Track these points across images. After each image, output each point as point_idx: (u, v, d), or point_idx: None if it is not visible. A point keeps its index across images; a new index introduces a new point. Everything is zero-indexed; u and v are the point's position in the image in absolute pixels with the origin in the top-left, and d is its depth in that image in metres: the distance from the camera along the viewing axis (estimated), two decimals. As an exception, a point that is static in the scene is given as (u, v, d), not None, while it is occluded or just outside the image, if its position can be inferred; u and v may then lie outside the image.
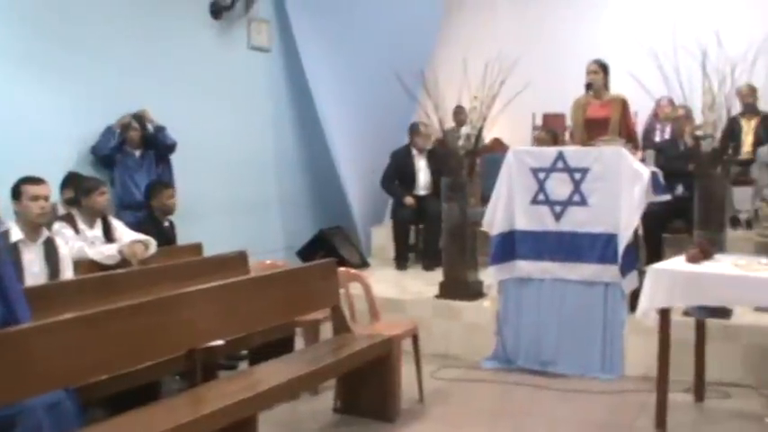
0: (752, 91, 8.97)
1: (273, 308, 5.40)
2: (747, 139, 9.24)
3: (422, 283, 8.33)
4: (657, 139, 9.66)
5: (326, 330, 6.19)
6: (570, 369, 6.72)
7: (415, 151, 9.43)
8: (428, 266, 9.03)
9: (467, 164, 7.52)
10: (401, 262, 9.38)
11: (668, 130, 9.49)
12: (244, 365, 6.47)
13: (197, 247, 7.03)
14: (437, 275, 7.85)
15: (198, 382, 4.72)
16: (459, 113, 9.48)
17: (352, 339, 5.69)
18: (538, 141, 9.02)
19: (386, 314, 6.84)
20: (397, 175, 9.48)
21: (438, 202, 8.00)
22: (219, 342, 5.12)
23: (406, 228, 9.48)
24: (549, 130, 9.30)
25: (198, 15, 9.18)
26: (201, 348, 4.82)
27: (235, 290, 5.10)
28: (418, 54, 9.39)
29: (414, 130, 9.39)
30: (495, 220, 6.93)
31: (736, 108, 8.97)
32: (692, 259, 5.44)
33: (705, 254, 5.53)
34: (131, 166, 7.98)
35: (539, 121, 11.02)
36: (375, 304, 6.52)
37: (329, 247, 9.48)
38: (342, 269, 6.34)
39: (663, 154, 8.40)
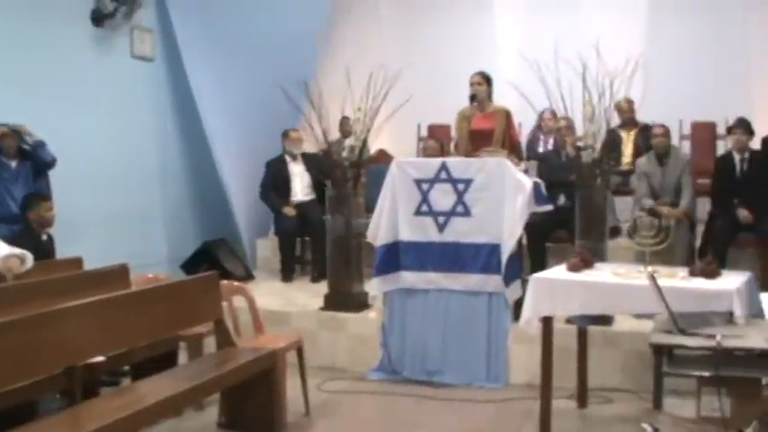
0: (630, 105, 9.22)
1: (155, 322, 5.32)
2: (627, 151, 9.50)
3: (307, 296, 8.32)
4: (541, 150, 9.85)
5: (210, 344, 6.13)
6: (456, 378, 6.80)
7: (288, 158, 9.46)
8: (317, 278, 9.02)
9: (351, 175, 7.55)
10: (287, 274, 9.35)
11: (551, 141, 9.71)
12: (127, 381, 6.37)
13: (77, 262, 6.87)
14: (323, 287, 7.85)
15: (78, 400, 4.64)
16: (344, 124, 9.50)
17: (236, 353, 5.65)
18: (426, 151, 9.09)
19: (271, 327, 6.83)
20: (273, 184, 9.48)
21: (319, 210, 8.01)
22: (100, 358, 5.03)
23: (292, 239, 9.45)
24: (438, 140, 9.41)
25: (78, 23, 8.99)
26: (81, 365, 4.73)
27: (115, 305, 5.01)
28: (303, 64, 9.37)
29: (284, 135, 9.43)
30: (379, 232, 6.98)
31: (616, 120, 9.25)
32: (573, 268, 5.57)
33: (586, 263, 5.67)
34: (7, 177, 7.75)
35: (424, 132, 11.12)
36: (259, 317, 6.50)
37: (213, 259, 9.40)
38: (224, 282, 6.29)
39: (546, 164, 8.58)
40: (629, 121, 9.60)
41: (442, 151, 8.79)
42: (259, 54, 9.58)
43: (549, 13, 10.81)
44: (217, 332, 5.88)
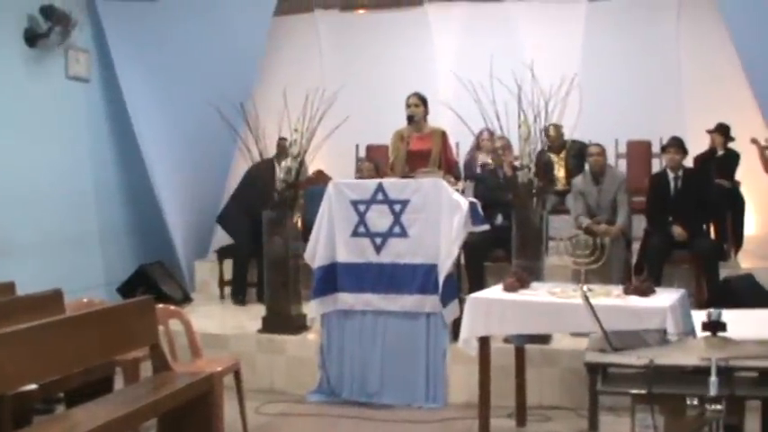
0: (557, 130, 9.27)
1: (90, 348, 5.24)
2: (560, 173, 9.62)
3: (245, 318, 8.29)
4: (479, 170, 9.91)
5: (147, 369, 6.06)
6: (395, 399, 6.81)
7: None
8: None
9: (288, 196, 7.54)
10: (239, 297, 9.35)
11: (489, 161, 9.77)
12: (61, 408, 6.27)
13: (9, 287, 6.74)
14: (261, 309, 7.83)
15: (8, 430, 4.55)
16: (281, 145, 9.47)
17: (173, 377, 5.59)
18: (361, 172, 9.11)
19: (208, 350, 6.78)
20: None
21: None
22: (32, 386, 4.95)
23: (245, 261, 9.44)
24: (373, 161, 9.43)
25: (11, 43, 8.85)
26: (11, 394, 4.64)
27: (48, 331, 4.93)
28: (240, 85, 9.35)
29: None
30: (316, 253, 6.98)
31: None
32: (509, 288, 5.62)
33: (522, 282, 5.73)
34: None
35: (363, 153, 11.14)
36: (196, 340, 6.44)
37: (150, 282, 9.31)
38: (160, 306, 6.23)
39: (483, 184, 8.64)
40: (557, 146, 9.68)
41: (378, 172, 8.80)
42: (196, 75, 9.56)
43: (485, 34, 10.93)
44: (153, 357, 5.81)
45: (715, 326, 4.04)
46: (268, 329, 7.56)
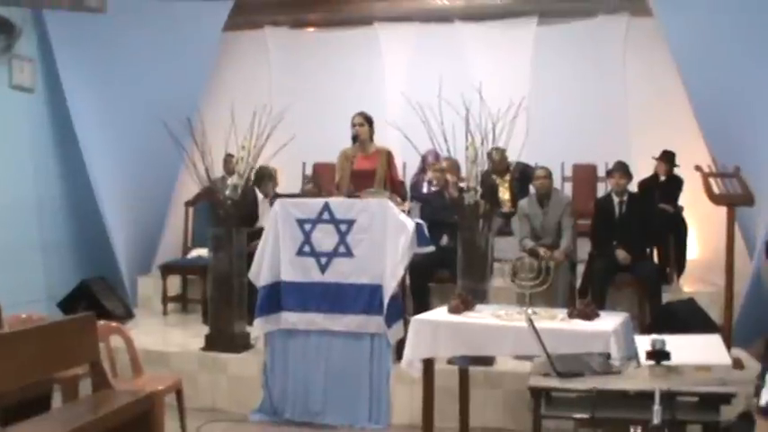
0: (501, 155, 9.23)
1: (28, 365, 5.14)
2: (505, 196, 9.67)
3: (188, 335, 8.21)
4: (425, 190, 9.92)
5: (86, 387, 5.96)
6: (338, 420, 6.78)
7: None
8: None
9: (234, 214, 7.50)
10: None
11: (435, 182, 9.79)
12: (-4, 427, 6.15)
13: (-56, 302, 6.63)
14: (204, 327, 7.77)
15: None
16: (228, 162, 9.42)
17: (113, 396, 5.50)
18: (305, 195, 9.04)
19: (150, 368, 6.71)
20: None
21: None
22: (-36, 406, 4.85)
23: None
24: (317, 184, 9.42)
25: (-48, 52, 8.73)
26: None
27: (-16, 347, 4.84)
28: (187, 99, 9.27)
29: None
30: (261, 272, 6.94)
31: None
32: (454, 310, 5.63)
33: (466, 304, 5.74)
34: None
35: (309, 171, 11.13)
36: (137, 358, 6.35)
37: (92, 297, 9.15)
38: (101, 322, 6.13)
39: (429, 205, 8.64)
40: (501, 169, 9.71)
41: (321, 193, 8.79)
42: (143, 87, 9.44)
43: (434, 55, 10.97)
44: (93, 374, 5.71)
45: (659, 355, 4.07)
46: (211, 347, 7.50)
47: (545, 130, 9.69)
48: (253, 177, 8.07)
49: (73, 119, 9.55)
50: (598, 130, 10.46)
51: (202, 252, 9.28)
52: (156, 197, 9.94)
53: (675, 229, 9.33)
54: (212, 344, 7.52)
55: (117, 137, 9.68)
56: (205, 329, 7.72)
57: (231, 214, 7.52)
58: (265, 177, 9.31)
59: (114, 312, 8.98)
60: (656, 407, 3.55)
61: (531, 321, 4.54)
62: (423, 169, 9.83)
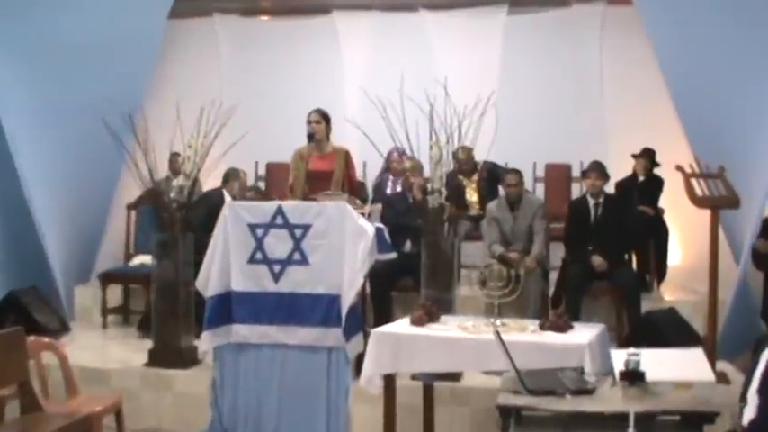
0: (467, 153, 9.19)
1: (-50, 384, 5.08)
2: (473, 198, 9.68)
3: (130, 350, 8.13)
4: (389, 191, 9.88)
5: (14, 409, 5.88)
6: (293, 440, 6.75)
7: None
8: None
9: (179, 218, 7.44)
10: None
11: (400, 183, 9.77)
12: None
13: None
14: (148, 341, 7.71)
15: None
16: (174, 162, 9.35)
17: (44, 419, 5.43)
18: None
19: (87, 387, 6.64)
20: None
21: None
22: None
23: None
24: (259, 189, 9.37)
25: None
26: None
27: None
28: (128, 93, 9.17)
29: None
30: (209, 281, 6.86)
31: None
32: (417, 321, 5.62)
33: (430, 315, 5.73)
34: None
35: (262, 171, 11.08)
36: (73, 377, 6.28)
37: (21, 310, 9.04)
38: (32, 337, 6.06)
39: (391, 208, 8.62)
40: (468, 169, 9.70)
41: (266, 197, 8.74)
42: (80, 81, 9.30)
43: (396, 47, 10.99)
44: (21, 395, 5.63)
45: (633, 376, 4.07)
46: (155, 363, 7.45)
47: (515, 128, 9.70)
48: (198, 178, 8.00)
49: (2, 118, 9.40)
50: (572, 127, 10.50)
51: (146, 259, 9.16)
52: (94, 200, 9.82)
53: (655, 234, 9.35)
54: (156, 359, 7.47)
55: (51, 134, 9.51)
56: (149, 343, 7.65)
57: (176, 218, 7.46)
58: (231, 178, 9.27)
59: (47, 326, 8.87)
60: (631, 430, 3.54)
61: (498, 334, 4.53)
62: (387, 168, 9.79)
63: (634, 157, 9.58)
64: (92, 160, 9.42)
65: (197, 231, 7.77)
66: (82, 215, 9.75)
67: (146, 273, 8.64)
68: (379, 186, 9.91)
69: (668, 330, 7.41)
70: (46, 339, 6.59)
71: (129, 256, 10.19)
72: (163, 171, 8.87)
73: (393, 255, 7.00)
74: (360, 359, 6.28)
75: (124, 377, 7.39)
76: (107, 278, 9.59)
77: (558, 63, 10.81)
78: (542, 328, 5.43)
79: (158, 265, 7.54)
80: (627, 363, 4.09)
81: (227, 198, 9.05)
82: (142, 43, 9.95)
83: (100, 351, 8.30)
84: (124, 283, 9.72)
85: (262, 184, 10.90)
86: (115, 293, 9.75)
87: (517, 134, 9.84)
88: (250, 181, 10.71)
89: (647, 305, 8.21)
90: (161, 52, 10.56)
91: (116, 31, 9.44)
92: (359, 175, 9.04)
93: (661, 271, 9.42)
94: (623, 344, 6.61)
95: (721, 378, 6.21)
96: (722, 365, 6.88)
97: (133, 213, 10.30)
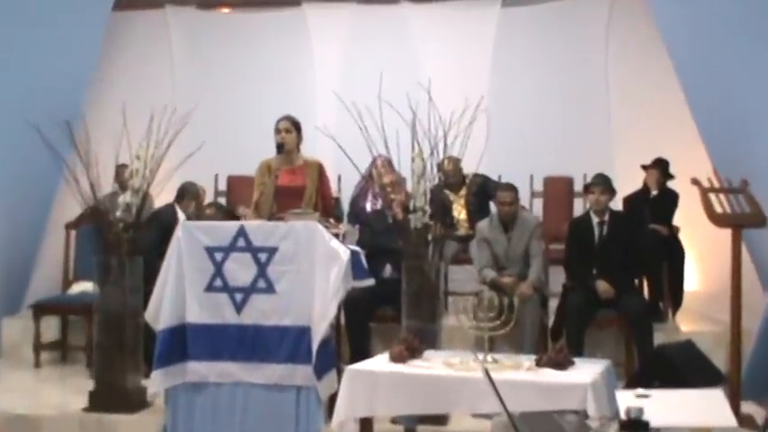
0: (454, 165, 9.29)
1: None
2: (461, 215, 9.74)
3: (68, 392, 8.11)
4: (369, 208, 9.85)
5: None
6: (256, 493, 6.76)
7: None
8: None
9: (127, 239, 7.45)
10: None
11: (380, 199, 9.76)
12: None
13: None
14: (89, 381, 7.71)
15: None
16: (121, 175, 9.35)
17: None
18: (206, 219, 8.96)
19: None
20: None
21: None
22: None
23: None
24: (220, 206, 9.35)
25: None
26: None
27: None
28: (66, 98, 9.17)
29: None
30: (161, 312, 6.87)
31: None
32: (397, 358, 5.64)
33: (412, 351, 5.75)
34: None
35: (223, 186, 11.08)
36: (-2, 424, 6.30)
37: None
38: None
39: (369, 228, 8.65)
40: (455, 183, 9.79)
41: (229, 216, 8.70)
42: (9, 83, 9.32)
43: (375, 46, 11.04)
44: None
45: (635, 426, 4.09)
46: (96, 407, 7.42)
47: (509, 136, 9.78)
48: (149, 193, 8.00)
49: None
50: (574, 135, 10.57)
51: (87, 287, 9.15)
52: (27, 219, 9.81)
53: (669, 255, 9.36)
54: (99, 402, 7.44)
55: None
56: (90, 384, 7.63)
57: (123, 240, 7.47)
58: (187, 195, 9.26)
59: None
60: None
61: (486, 371, 4.56)
62: (369, 178, 9.66)
63: (644, 168, 9.63)
64: (24, 175, 9.41)
65: (147, 255, 7.78)
66: (12, 237, 9.73)
67: (87, 302, 8.59)
68: (356, 203, 9.92)
69: (684, 366, 7.42)
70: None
71: (67, 284, 10.14)
72: (107, 186, 8.87)
73: (371, 281, 7.02)
74: (333, 400, 6.30)
75: (60, 424, 7.36)
76: (41, 309, 9.53)
77: (557, 62, 10.87)
78: (539, 364, 5.47)
79: (101, 293, 7.51)
80: (628, 411, 4.11)
81: (182, 216, 9.06)
82: (82, 40, 9.95)
83: (31, 394, 8.24)
84: (61, 315, 9.69)
85: (223, 201, 10.89)
86: (51, 327, 9.70)
87: (511, 143, 9.91)
88: (209, 197, 10.74)
89: (660, 337, 8.21)
90: (104, 50, 10.56)
91: (52, 28, 9.45)
92: (333, 190, 9.02)
93: (676, 298, 9.41)
94: (632, 382, 6.63)
95: (746, 422, 6.25)
96: (748, 407, 6.90)
97: (73, 234, 10.26)
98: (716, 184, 7.11)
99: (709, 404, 4.46)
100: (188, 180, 9.13)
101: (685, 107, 8.61)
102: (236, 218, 7.68)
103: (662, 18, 8.58)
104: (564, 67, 10.83)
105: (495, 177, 9.80)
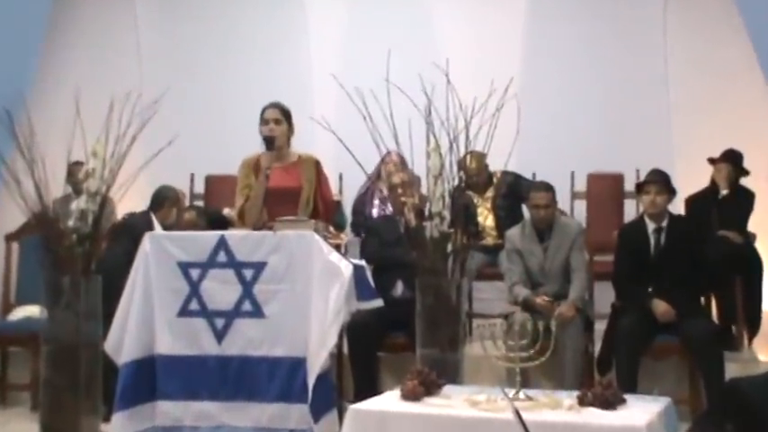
0: (479, 161, 9.35)
1: None
2: (487, 221, 9.74)
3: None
4: (375, 212, 9.83)
5: None
6: None
7: None
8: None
9: (82, 254, 7.46)
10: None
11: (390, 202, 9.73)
12: None
13: None
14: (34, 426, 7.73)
15: None
16: (74, 174, 9.36)
17: None
18: (181, 226, 8.99)
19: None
20: None
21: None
22: None
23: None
24: (201, 209, 9.35)
25: None
26: None
27: None
28: (5, 83, 9.23)
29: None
30: (124, 341, 6.91)
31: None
32: (410, 395, 5.63)
33: (428, 386, 5.74)
34: None
35: (200, 188, 11.10)
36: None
37: None
38: None
39: (377, 237, 8.65)
40: (479, 183, 9.84)
41: (214, 225, 8.72)
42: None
43: (381, 19, 11.03)
44: None
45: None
46: (46, 458, 7.46)
47: (544, 126, 9.77)
48: (109, 197, 8.00)
49: None
50: (625, 123, 10.57)
51: (32, 311, 9.19)
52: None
53: (744, 269, 9.23)
54: (47, 454, 7.47)
55: None
56: (36, 429, 7.64)
57: (77, 254, 7.48)
58: (166, 202, 9.26)
59: None
60: None
61: (517, 412, 4.57)
62: (376, 179, 9.66)
63: (712, 162, 9.57)
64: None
65: (113, 273, 7.77)
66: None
67: (32, 330, 8.63)
68: (361, 207, 9.90)
69: (764, 404, 7.45)
70: None
71: (8, 308, 10.14)
72: (58, 189, 8.88)
73: (379, 302, 7.05)
74: (334, 446, 6.35)
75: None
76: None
77: (603, 38, 10.86)
78: (583, 402, 5.45)
79: (50, 319, 7.48)
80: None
81: (158, 227, 9.04)
82: (24, 8, 9.99)
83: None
84: (1, 346, 9.72)
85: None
86: (-1, 359, 9.74)
87: (547, 135, 9.90)
88: (186, 200, 10.77)
89: (732, 369, 8.15)
90: (52, 22, 10.59)
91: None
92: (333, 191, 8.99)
93: (753, 321, 9.28)
94: (698, 425, 6.65)
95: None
96: None
97: (15, 247, 10.30)
98: (799, 182, 7.09)
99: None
100: (162, 184, 9.10)
101: (764, 89, 8.60)
102: (223, 222, 7.70)
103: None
104: (611, 43, 10.81)
105: (527, 175, 9.81)
